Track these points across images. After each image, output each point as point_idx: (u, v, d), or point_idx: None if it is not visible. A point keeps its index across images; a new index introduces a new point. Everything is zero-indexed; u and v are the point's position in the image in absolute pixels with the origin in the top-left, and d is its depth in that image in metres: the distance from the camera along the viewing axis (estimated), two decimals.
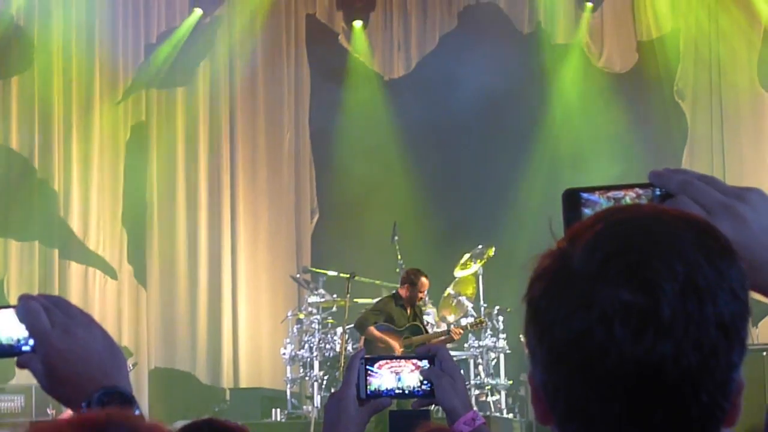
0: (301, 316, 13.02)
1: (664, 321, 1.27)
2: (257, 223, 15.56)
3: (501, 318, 12.74)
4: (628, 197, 1.56)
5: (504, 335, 12.76)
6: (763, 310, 12.60)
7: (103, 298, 14.80)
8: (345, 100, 15.63)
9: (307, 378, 12.82)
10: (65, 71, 15.11)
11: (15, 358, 1.92)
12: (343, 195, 15.40)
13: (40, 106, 15.06)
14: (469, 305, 12.86)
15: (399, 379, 2.88)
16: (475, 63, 14.66)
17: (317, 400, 12.44)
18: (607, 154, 14.59)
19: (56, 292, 13.57)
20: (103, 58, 15.20)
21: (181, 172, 15.45)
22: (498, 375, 12.84)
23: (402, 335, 11.84)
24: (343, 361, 12.07)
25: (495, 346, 12.73)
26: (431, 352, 2.92)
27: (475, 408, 3.10)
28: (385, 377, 2.88)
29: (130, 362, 13.29)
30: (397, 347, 11.60)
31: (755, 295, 1.45)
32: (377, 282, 13.31)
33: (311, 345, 12.70)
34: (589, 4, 15.27)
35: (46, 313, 1.89)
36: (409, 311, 12.04)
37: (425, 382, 2.88)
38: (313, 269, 13.88)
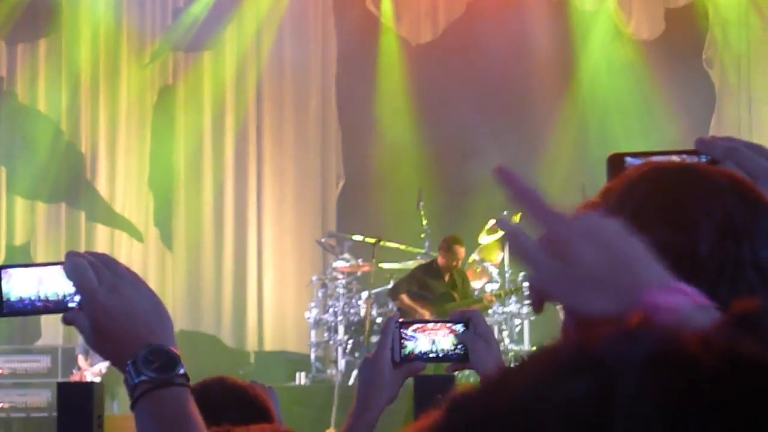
0: (326, 281, 13.06)
1: (701, 258, 1.27)
2: (283, 187, 15.57)
3: (526, 285, 12.73)
4: None
5: (528, 302, 12.74)
6: None
7: (129, 261, 14.84)
8: (372, 65, 15.58)
9: (331, 342, 12.84)
10: (93, 34, 15.13)
11: (61, 315, 1.93)
12: (369, 160, 15.38)
13: (67, 68, 15.09)
14: (494, 272, 12.87)
15: (433, 343, 2.88)
16: (503, 29, 14.60)
17: (341, 364, 12.48)
18: (634, 122, 14.56)
19: None
20: (130, 21, 15.21)
21: (207, 135, 15.46)
22: (522, 341, 12.85)
23: (434, 303, 11.87)
24: (368, 325, 12.11)
25: (519, 313, 12.73)
26: (466, 316, 2.92)
27: None
28: (420, 341, 2.88)
29: None
30: (427, 315, 11.59)
31: None
32: (402, 247, 13.32)
33: (336, 309, 12.72)
34: None
35: (93, 270, 1.89)
36: (447, 278, 12.08)
37: (459, 345, 2.88)
38: (339, 234, 13.90)
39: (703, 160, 1.55)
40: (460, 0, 15.61)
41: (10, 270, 1.97)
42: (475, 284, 12.82)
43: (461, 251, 12.16)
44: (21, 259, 14.06)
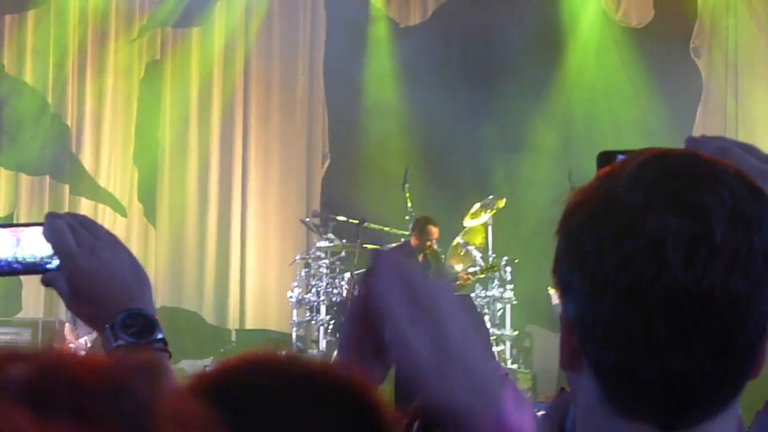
0: (309, 261, 13.06)
1: (716, 245, 1.28)
2: (268, 165, 15.54)
3: (509, 269, 12.76)
4: None
5: (511, 286, 12.77)
6: None
7: None
8: (360, 45, 15.55)
9: (313, 322, 12.85)
10: (82, 7, 15.06)
11: (39, 276, 1.91)
12: (354, 140, 15.37)
13: (55, 40, 15.02)
14: (478, 255, 12.87)
15: None
16: (491, 12, 14.59)
17: (323, 344, 12.49)
18: (621, 109, 14.56)
19: None
20: None
21: (194, 111, 15.42)
22: (504, 326, 12.86)
23: None
24: (350, 306, 12.11)
25: (502, 297, 12.74)
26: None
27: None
28: None
29: None
30: None
31: None
32: (386, 229, 13.32)
33: (318, 289, 12.73)
34: None
35: (72, 232, 1.87)
36: (421, 259, 12.07)
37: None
38: (323, 213, 13.89)
39: None
40: None
41: None
42: (458, 267, 12.83)
43: (435, 231, 12.11)
44: None
